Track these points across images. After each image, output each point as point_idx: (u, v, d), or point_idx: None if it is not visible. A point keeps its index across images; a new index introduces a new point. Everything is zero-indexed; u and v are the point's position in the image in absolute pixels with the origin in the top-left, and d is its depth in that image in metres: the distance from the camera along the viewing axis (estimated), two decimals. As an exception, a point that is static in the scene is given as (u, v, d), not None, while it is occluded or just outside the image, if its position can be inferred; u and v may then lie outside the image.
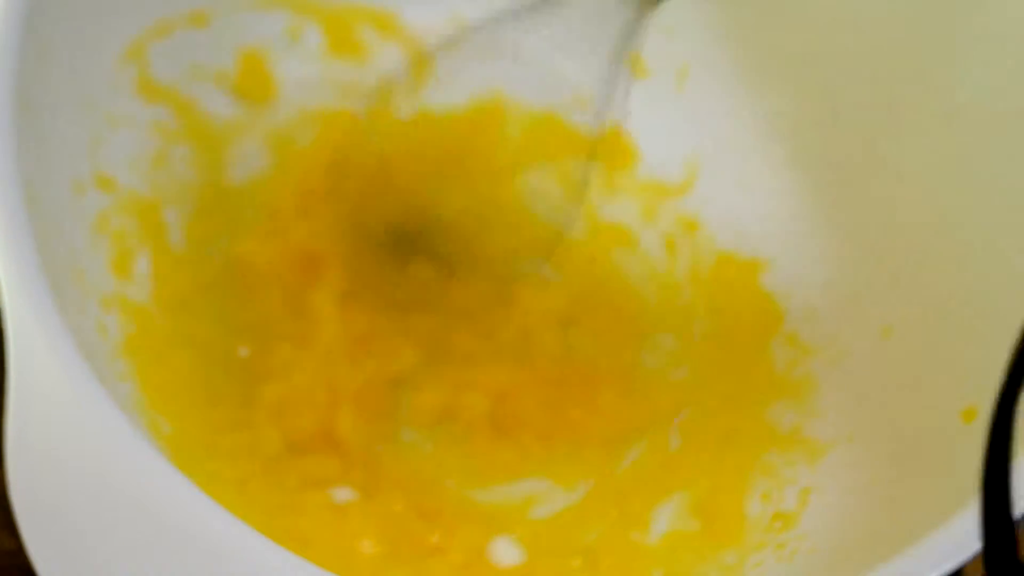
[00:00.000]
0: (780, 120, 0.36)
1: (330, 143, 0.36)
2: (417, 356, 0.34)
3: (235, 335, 0.34)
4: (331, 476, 0.33)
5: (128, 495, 0.23)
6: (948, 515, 0.24)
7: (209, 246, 0.34)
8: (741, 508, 0.32)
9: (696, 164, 0.37)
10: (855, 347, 0.33)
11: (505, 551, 0.32)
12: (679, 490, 0.33)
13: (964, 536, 0.24)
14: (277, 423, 0.33)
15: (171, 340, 0.32)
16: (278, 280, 0.35)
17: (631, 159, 0.37)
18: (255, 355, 0.34)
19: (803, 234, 0.36)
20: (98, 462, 0.23)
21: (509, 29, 0.31)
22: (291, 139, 0.36)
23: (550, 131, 0.37)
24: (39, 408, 0.24)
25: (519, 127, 0.37)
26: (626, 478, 0.34)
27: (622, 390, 0.35)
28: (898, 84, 0.33)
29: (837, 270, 0.35)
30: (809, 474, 0.32)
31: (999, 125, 0.30)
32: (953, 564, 0.24)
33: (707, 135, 0.37)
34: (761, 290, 0.36)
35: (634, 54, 0.31)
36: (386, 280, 0.35)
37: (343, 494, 0.32)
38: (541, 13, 0.30)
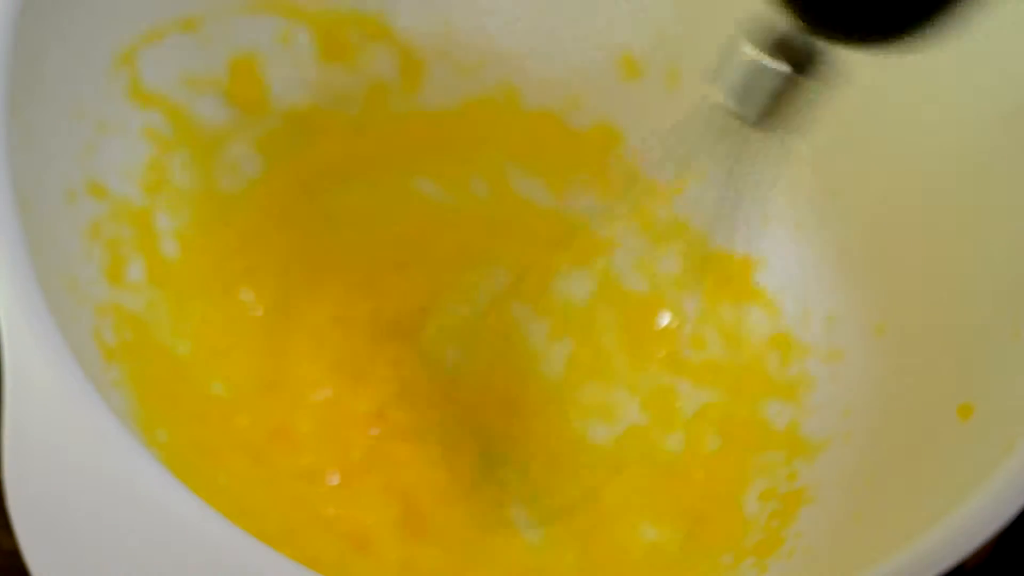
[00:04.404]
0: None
1: (322, 148, 0.36)
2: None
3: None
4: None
5: (123, 500, 0.23)
6: (946, 512, 0.24)
7: (202, 253, 0.34)
8: (739, 507, 0.32)
9: (688, 163, 0.37)
10: (849, 345, 0.34)
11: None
12: (677, 490, 0.33)
13: (962, 532, 0.24)
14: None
15: (166, 347, 0.32)
16: (272, 289, 0.35)
17: (622, 159, 0.37)
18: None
19: (796, 233, 0.36)
20: (93, 468, 0.23)
21: None
22: (283, 144, 0.36)
23: (549, 132, 0.37)
24: (35, 414, 0.24)
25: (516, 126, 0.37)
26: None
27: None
28: (894, 79, 0.33)
29: (830, 268, 0.35)
30: (806, 472, 0.32)
31: (995, 125, 0.30)
32: (951, 561, 0.24)
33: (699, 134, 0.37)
34: (754, 289, 0.36)
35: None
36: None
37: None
38: None
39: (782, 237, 0.36)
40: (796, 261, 0.35)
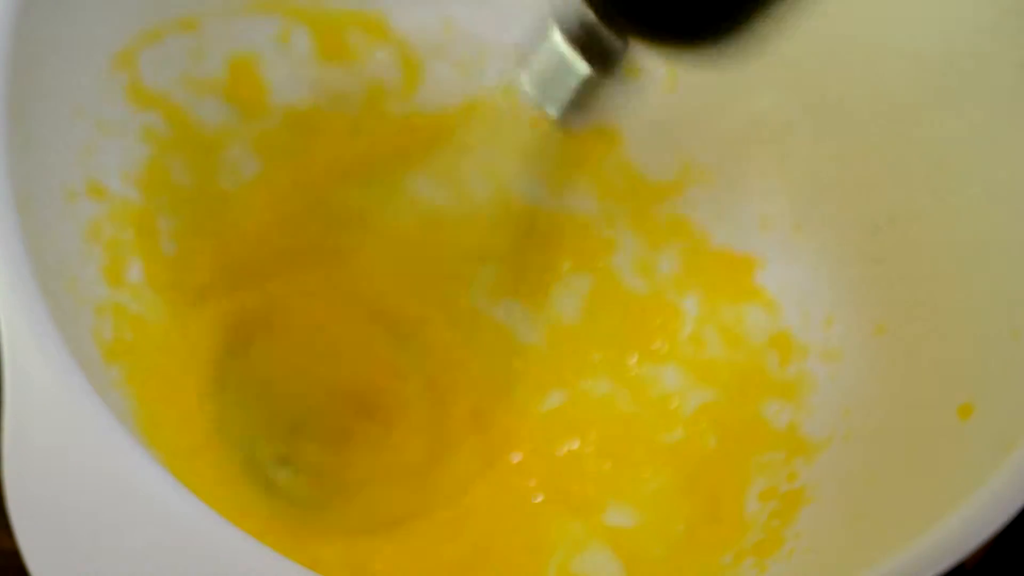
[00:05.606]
0: (772, 119, 0.36)
1: (321, 148, 0.36)
2: None
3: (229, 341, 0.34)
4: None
5: (123, 500, 0.23)
6: (946, 512, 0.24)
7: (202, 253, 0.34)
8: (738, 507, 0.32)
9: (688, 163, 0.37)
10: (849, 345, 0.33)
11: None
12: (676, 490, 0.33)
13: (962, 532, 0.24)
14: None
15: (165, 347, 0.32)
16: (272, 289, 0.35)
17: (622, 159, 0.37)
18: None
19: (796, 233, 0.36)
20: (93, 468, 0.23)
21: None
22: (282, 144, 0.36)
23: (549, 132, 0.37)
24: (35, 414, 0.24)
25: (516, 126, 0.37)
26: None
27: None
28: (892, 78, 0.33)
29: (830, 268, 0.35)
30: (806, 472, 0.32)
31: (993, 122, 0.31)
32: (952, 561, 0.24)
33: (699, 134, 0.37)
34: (754, 289, 0.36)
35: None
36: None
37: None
38: None
39: (782, 237, 0.36)
40: (796, 261, 0.35)
